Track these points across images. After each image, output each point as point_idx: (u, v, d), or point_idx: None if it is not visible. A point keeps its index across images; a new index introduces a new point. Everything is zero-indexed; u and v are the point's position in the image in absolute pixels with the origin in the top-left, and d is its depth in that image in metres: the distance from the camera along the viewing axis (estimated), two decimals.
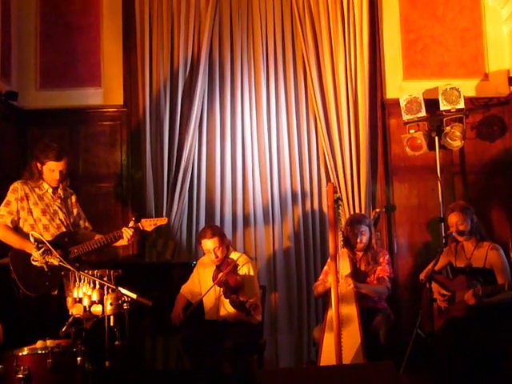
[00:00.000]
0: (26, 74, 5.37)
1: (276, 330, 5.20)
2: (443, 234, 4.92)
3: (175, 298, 4.38)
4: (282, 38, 5.38)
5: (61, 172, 4.09)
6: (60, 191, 4.18)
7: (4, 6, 5.06)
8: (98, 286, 3.32)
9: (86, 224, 4.34)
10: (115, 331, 3.20)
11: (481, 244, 4.17)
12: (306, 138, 5.37)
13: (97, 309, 3.28)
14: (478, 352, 3.80)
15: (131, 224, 4.17)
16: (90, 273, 3.36)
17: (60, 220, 4.12)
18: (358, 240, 4.35)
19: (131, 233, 4.13)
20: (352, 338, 3.83)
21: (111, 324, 3.21)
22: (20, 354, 3.01)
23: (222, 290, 4.17)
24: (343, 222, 4.37)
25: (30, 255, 3.77)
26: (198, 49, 5.27)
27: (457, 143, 5.14)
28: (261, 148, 5.36)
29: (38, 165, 4.09)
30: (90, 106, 5.40)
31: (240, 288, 4.13)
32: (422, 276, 4.23)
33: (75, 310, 3.28)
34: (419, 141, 5.15)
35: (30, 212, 4.05)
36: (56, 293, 3.92)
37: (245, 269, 4.28)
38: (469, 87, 5.34)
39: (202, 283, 4.36)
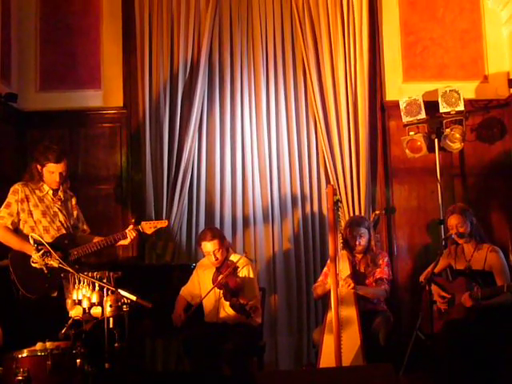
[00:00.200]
0: (25, 75, 5.36)
1: (276, 332, 5.20)
2: (443, 236, 4.92)
3: (175, 300, 4.38)
4: (281, 40, 5.38)
5: (61, 174, 4.10)
6: (60, 193, 4.18)
7: (4, 8, 5.06)
8: (97, 288, 3.33)
9: (85, 227, 4.35)
10: (115, 333, 3.21)
11: (480, 246, 4.16)
12: (305, 140, 5.37)
13: (96, 311, 3.29)
14: (477, 354, 3.79)
15: (131, 227, 4.18)
16: (90, 275, 3.37)
17: (60, 222, 4.12)
18: (358, 242, 4.35)
19: (135, 234, 4.15)
20: (352, 340, 3.83)
21: (111, 326, 3.22)
22: (19, 355, 3.00)
23: (221, 292, 4.16)
24: (343, 224, 4.37)
25: (30, 257, 3.77)
26: (198, 51, 5.27)
27: (456, 145, 5.14)
28: (260, 149, 5.35)
29: (38, 167, 4.09)
30: (90, 107, 5.40)
31: (240, 290, 4.12)
32: (421, 278, 4.22)
33: (75, 312, 3.29)
34: (419, 143, 5.16)
35: (31, 214, 4.05)
36: (55, 295, 3.91)
37: (245, 271, 4.27)
38: (468, 89, 5.34)
39: (202, 285, 4.35)
